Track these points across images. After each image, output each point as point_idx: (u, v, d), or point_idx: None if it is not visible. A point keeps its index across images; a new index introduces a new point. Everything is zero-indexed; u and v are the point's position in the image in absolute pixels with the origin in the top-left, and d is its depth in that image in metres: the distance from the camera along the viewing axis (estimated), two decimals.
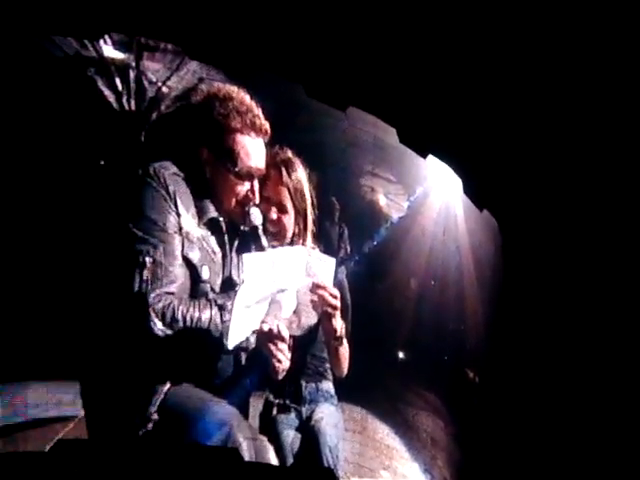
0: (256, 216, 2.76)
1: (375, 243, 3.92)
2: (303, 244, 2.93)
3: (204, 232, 2.60)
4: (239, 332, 2.41)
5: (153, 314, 2.32)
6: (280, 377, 2.58)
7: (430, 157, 3.26)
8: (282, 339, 2.51)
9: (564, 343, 3.13)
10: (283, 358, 2.51)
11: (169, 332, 2.34)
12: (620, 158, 2.93)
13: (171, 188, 2.49)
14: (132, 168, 2.63)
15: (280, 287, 2.56)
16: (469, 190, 3.27)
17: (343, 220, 3.67)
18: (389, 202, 4.27)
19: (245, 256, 2.50)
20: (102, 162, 2.90)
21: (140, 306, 2.32)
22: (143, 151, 2.74)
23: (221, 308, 2.44)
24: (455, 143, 3.14)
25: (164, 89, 3.00)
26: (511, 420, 3.28)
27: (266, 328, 2.50)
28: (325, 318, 2.80)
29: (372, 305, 3.73)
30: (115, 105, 2.88)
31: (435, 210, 4.02)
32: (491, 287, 3.64)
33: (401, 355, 4.04)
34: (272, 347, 2.50)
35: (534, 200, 3.17)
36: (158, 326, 2.32)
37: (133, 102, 2.89)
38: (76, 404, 2.69)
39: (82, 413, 2.64)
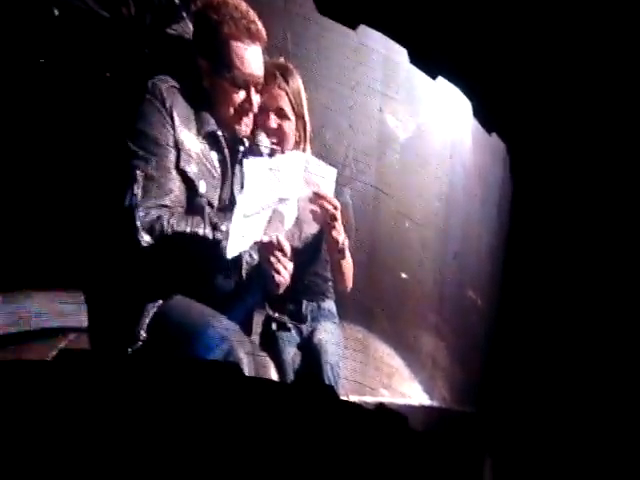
0: (264, 143, 2.79)
1: (382, 164, 3.93)
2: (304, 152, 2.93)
3: (203, 146, 2.61)
4: (239, 241, 2.43)
5: (141, 227, 2.36)
6: (281, 291, 2.60)
7: (440, 79, 3.24)
8: (282, 251, 2.53)
9: (567, 270, 3.16)
10: (284, 271, 2.53)
11: (157, 246, 2.39)
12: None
13: (168, 102, 2.51)
14: (132, 82, 2.65)
15: (281, 196, 2.58)
16: (478, 113, 3.27)
17: (350, 139, 3.66)
18: (397, 122, 4.24)
19: (246, 162, 2.52)
20: (108, 74, 2.91)
21: (128, 219, 2.36)
22: (145, 63, 2.76)
23: (215, 227, 2.48)
24: (465, 65, 3.13)
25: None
26: (512, 345, 3.33)
27: (266, 240, 2.52)
28: (326, 229, 2.82)
29: (377, 226, 3.74)
30: (111, 13, 2.87)
31: (443, 132, 3.98)
32: (497, 212, 3.65)
33: (404, 275, 4.07)
34: (273, 259, 2.52)
35: (543, 124, 3.17)
36: (145, 239, 2.37)
37: (134, 9, 2.88)
38: (78, 315, 2.73)
39: (84, 324, 2.72)
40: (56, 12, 3.02)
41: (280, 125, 2.87)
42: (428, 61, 3.14)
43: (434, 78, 3.22)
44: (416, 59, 3.16)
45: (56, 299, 3.18)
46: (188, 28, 2.90)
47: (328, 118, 3.35)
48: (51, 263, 3.09)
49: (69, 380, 2.21)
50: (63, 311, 3.10)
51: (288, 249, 2.56)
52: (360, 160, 3.54)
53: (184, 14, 3.04)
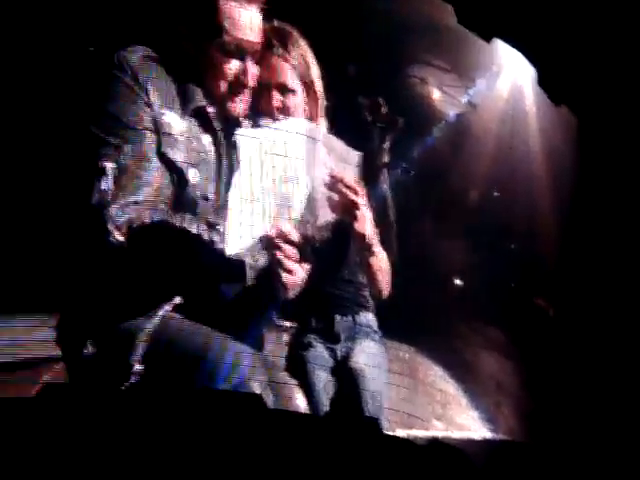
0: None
1: (427, 147, 3.77)
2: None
3: (191, 126, 2.40)
4: (239, 236, 2.20)
5: (114, 229, 2.15)
6: (292, 295, 2.37)
7: (495, 41, 3.07)
8: (290, 242, 2.27)
9: None
10: (295, 266, 2.27)
11: (139, 251, 2.18)
12: None
13: (141, 75, 2.30)
14: (100, 56, 2.48)
15: (287, 174, 2.35)
16: (544, 81, 3.09)
17: (386, 119, 3.48)
18: (444, 96, 4.10)
19: (239, 133, 2.31)
20: (91, 48, 2.78)
21: (99, 221, 2.16)
22: (116, 34, 2.63)
23: (210, 226, 2.25)
24: (527, 23, 2.92)
25: None
26: (592, 360, 3.14)
27: (272, 231, 2.27)
28: (349, 221, 2.58)
29: (422, 223, 3.59)
30: None
31: (500, 106, 3.93)
32: (569, 200, 3.47)
33: (457, 282, 3.92)
34: (279, 254, 2.26)
35: (623, 94, 2.97)
36: (120, 243, 2.16)
37: None
38: None
39: None
40: None
41: (284, 103, 2.67)
42: (480, 20, 2.94)
43: (488, 40, 3.01)
44: (465, 18, 2.96)
45: (38, 326, 3.04)
46: None
47: (358, 93, 3.16)
48: (26, 284, 2.96)
49: (55, 420, 2.03)
50: (46, 339, 2.97)
51: (297, 239, 2.30)
52: (400, 143, 3.34)
53: None
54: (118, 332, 2.27)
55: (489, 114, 3.92)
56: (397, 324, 3.12)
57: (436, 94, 4.00)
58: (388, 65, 3.44)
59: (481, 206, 3.83)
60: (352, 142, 2.72)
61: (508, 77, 3.66)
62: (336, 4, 3.40)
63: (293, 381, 2.60)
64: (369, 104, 3.39)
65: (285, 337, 2.86)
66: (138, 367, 2.23)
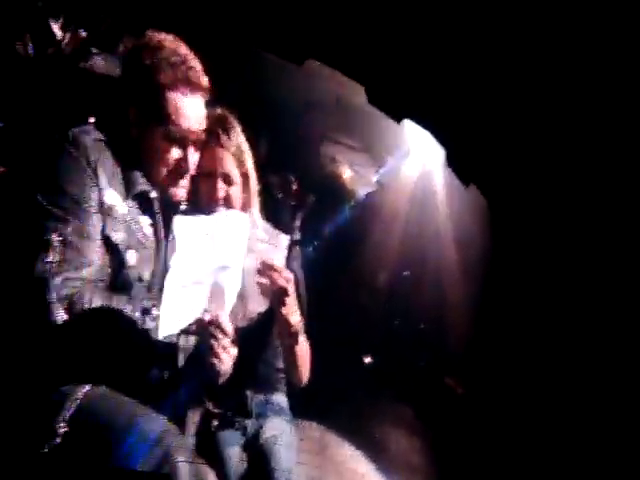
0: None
1: (337, 225, 3.82)
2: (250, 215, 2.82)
3: (132, 209, 2.50)
4: (174, 319, 2.26)
5: (57, 302, 2.19)
6: (222, 381, 2.44)
7: (405, 121, 3.16)
8: (223, 332, 2.34)
9: (562, 344, 3.07)
10: (225, 356, 2.36)
11: (76, 325, 2.21)
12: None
13: (92, 157, 2.40)
14: (47, 131, 2.51)
15: (221, 263, 2.40)
16: (453, 162, 3.19)
17: (297, 197, 3.53)
18: (354, 175, 4.17)
19: (176, 219, 2.38)
20: (1, 124, 2.81)
21: (41, 292, 2.20)
22: (61, 112, 2.67)
23: (145, 312, 2.31)
24: (436, 104, 3.03)
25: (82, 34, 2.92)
26: (501, 437, 3.21)
27: (206, 318, 2.34)
28: (276, 307, 2.68)
29: (333, 301, 3.62)
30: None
31: (410, 185, 3.98)
32: (477, 280, 3.55)
33: (368, 361, 3.95)
34: (212, 342, 2.34)
35: (531, 175, 3.09)
36: (62, 317, 2.19)
37: (31, 45, 2.80)
38: None
39: None
40: None
41: (227, 192, 2.76)
42: (390, 100, 3.03)
43: (398, 121, 3.11)
44: (376, 98, 3.05)
45: None
46: (100, 65, 2.77)
47: (270, 173, 3.21)
48: None
49: None
50: None
51: (230, 330, 2.38)
52: (310, 222, 3.39)
53: (93, 50, 2.93)
54: (46, 397, 2.27)
55: (398, 195, 3.99)
56: (307, 403, 3.13)
57: (347, 173, 4.07)
58: (298, 143, 3.50)
59: (391, 285, 3.87)
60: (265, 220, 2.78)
61: (418, 159, 3.73)
62: (240, 78, 3.47)
63: (204, 459, 2.60)
64: (279, 181, 3.45)
65: (201, 415, 2.80)
66: (62, 429, 2.23)
